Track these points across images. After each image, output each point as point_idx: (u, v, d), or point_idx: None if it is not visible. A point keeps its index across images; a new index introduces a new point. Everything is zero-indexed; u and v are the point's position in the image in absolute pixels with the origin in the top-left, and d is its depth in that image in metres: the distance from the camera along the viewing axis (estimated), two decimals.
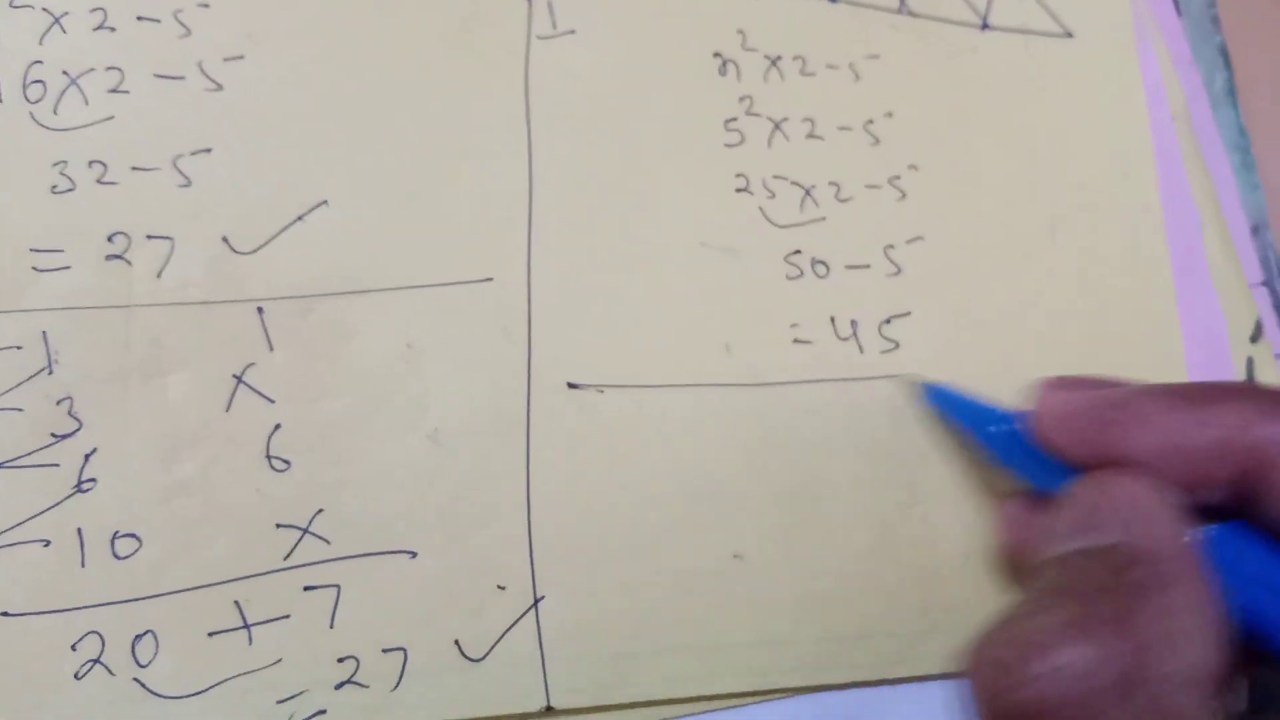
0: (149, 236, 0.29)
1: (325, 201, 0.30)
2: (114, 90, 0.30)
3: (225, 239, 0.29)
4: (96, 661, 0.26)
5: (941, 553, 0.28)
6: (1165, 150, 0.32)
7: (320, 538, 0.27)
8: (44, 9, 0.31)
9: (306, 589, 0.27)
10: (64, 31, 0.31)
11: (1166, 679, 0.18)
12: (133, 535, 0.27)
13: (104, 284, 0.29)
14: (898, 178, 0.31)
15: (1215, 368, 0.31)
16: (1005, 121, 0.32)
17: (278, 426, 0.28)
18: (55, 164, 0.30)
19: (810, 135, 0.32)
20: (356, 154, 0.30)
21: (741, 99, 0.32)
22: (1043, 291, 0.30)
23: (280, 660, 0.26)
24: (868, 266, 0.30)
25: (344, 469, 0.28)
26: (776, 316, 0.30)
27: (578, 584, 0.27)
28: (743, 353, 0.29)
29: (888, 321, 0.30)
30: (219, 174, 0.30)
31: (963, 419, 0.28)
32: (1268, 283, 0.32)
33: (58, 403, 0.28)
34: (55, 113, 0.30)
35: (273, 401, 0.28)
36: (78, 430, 0.28)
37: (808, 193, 0.31)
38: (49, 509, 0.27)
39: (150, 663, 0.26)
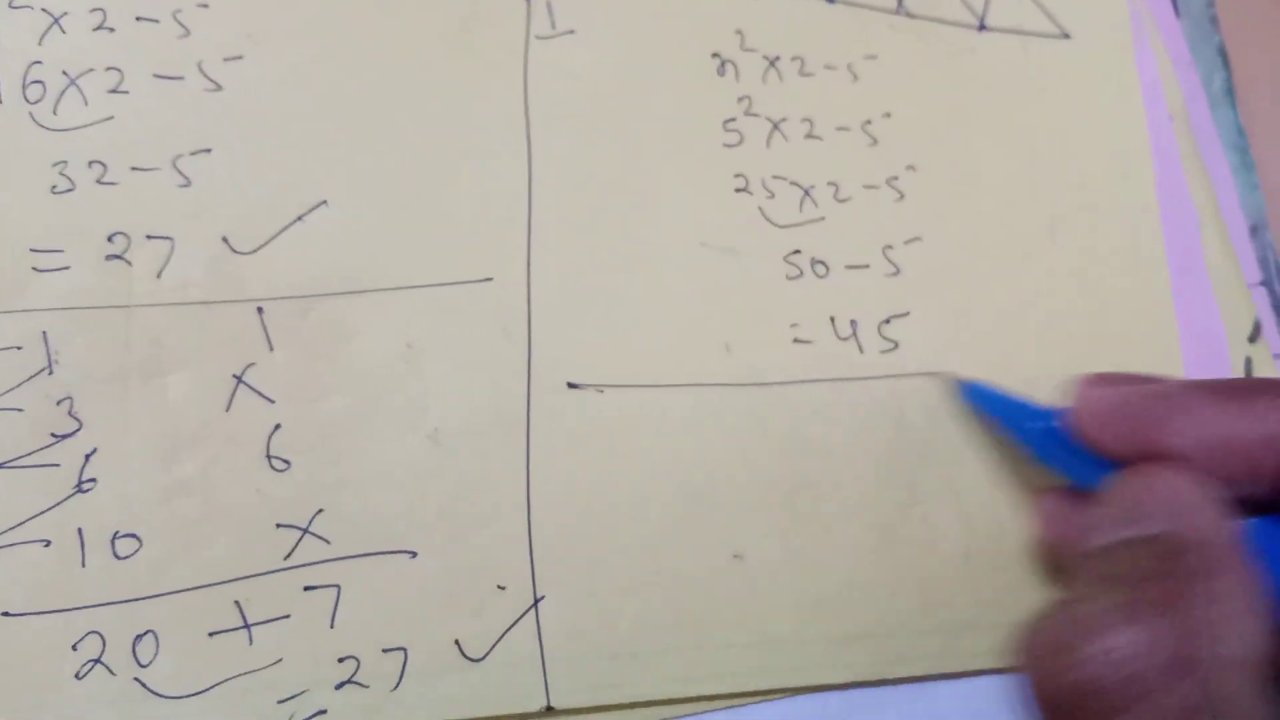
0: (149, 236, 0.29)
1: (325, 201, 0.30)
2: (113, 90, 0.30)
3: (225, 239, 0.29)
4: (97, 661, 0.26)
5: (941, 553, 0.28)
6: (1163, 150, 0.32)
7: (320, 538, 0.27)
8: (43, 9, 0.31)
9: (307, 589, 0.27)
10: (63, 32, 0.31)
11: (1215, 661, 0.18)
12: (133, 535, 0.27)
13: (104, 284, 0.29)
14: (896, 178, 0.31)
15: (1213, 367, 0.31)
16: (1003, 122, 0.32)
17: (278, 426, 0.28)
18: (55, 164, 0.30)
19: (809, 136, 0.32)
20: (356, 154, 0.30)
21: (740, 99, 0.32)
22: (1041, 291, 0.31)
23: (281, 660, 0.26)
24: (867, 267, 0.31)
25: (344, 469, 0.28)
26: (776, 316, 0.30)
27: (578, 584, 0.27)
28: (743, 353, 0.29)
29: (887, 321, 0.30)
30: (219, 174, 0.30)
31: (1001, 416, 0.28)
32: (1266, 283, 0.32)
33: (58, 403, 0.28)
34: (55, 113, 0.30)
35: (273, 401, 0.28)
36: (78, 430, 0.28)
37: (807, 193, 0.31)
38: (49, 509, 0.27)
39: (151, 663, 0.26)
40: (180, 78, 0.31)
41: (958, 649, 0.28)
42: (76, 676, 0.26)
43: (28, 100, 0.30)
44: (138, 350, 0.28)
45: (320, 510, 0.27)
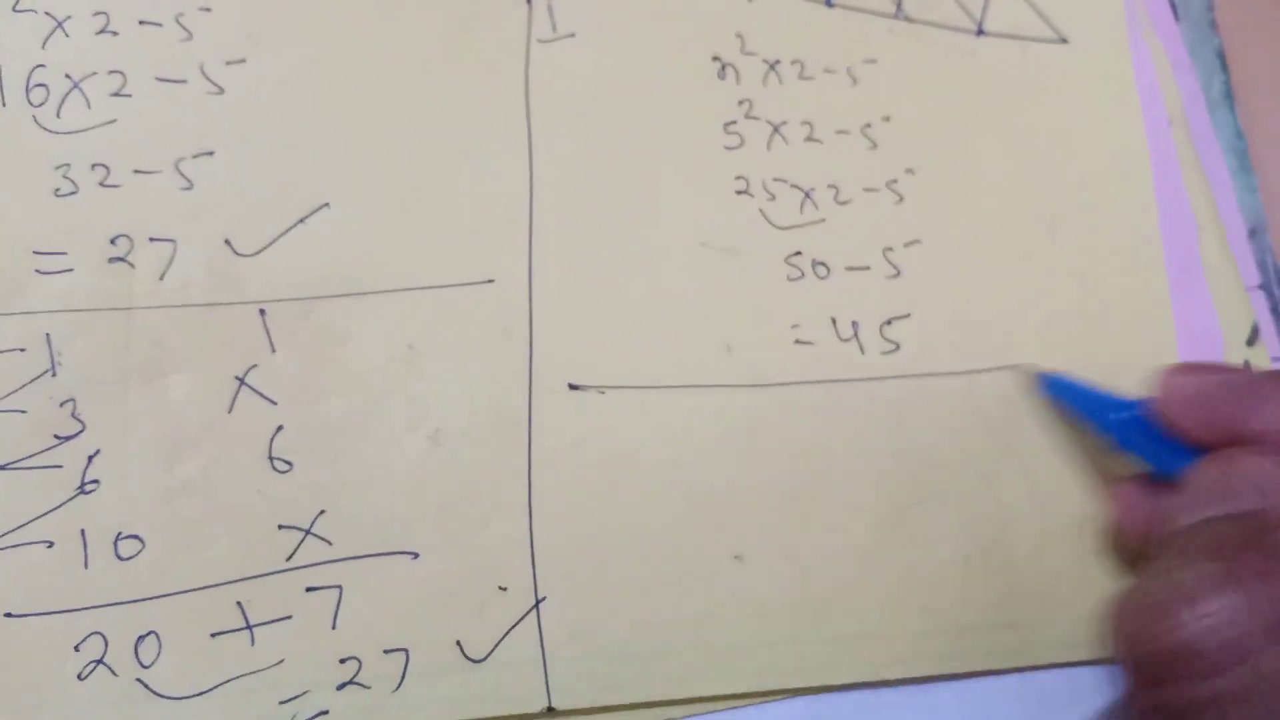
0: (151, 239, 0.29)
1: (327, 203, 0.30)
2: (116, 93, 0.30)
3: (227, 241, 0.29)
4: (99, 662, 0.26)
5: (941, 553, 0.28)
6: (1162, 153, 0.32)
7: (322, 539, 0.27)
8: (47, 13, 0.31)
9: (309, 590, 0.27)
10: (66, 35, 0.31)
11: None
12: (135, 536, 0.27)
13: (106, 286, 0.29)
14: (895, 181, 0.32)
15: None
16: (1002, 125, 0.32)
17: (280, 428, 0.28)
18: (58, 167, 0.30)
19: (809, 138, 0.32)
20: (357, 156, 0.30)
21: (741, 102, 0.32)
22: (1041, 293, 0.31)
23: (282, 661, 0.26)
24: (868, 268, 0.31)
25: (346, 470, 0.28)
26: (777, 317, 0.30)
27: (579, 584, 0.27)
28: (744, 353, 0.29)
29: (888, 323, 0.30)
30: (221, 176, 0.30)
31: (1083, 407, 0.28)
32: (1265, 286, 0.32)
33: (61, 404, 0.28)
34: (58, 116, 0.30)
35: (274, 403, 0.28)
36: (81, 432, 0.28)
37: (807, 195, 0.31)
38: (52, 510, 0.27)
39: (153, 663, 0.26)
40: (183, 81, 0.31)
41: (957, 650, 0.28)
42: (79, 677, 0.26)
43: (31, 103, 0.30)
44: (140, 352, 0.28)
45: (322, 511, 0.27)
